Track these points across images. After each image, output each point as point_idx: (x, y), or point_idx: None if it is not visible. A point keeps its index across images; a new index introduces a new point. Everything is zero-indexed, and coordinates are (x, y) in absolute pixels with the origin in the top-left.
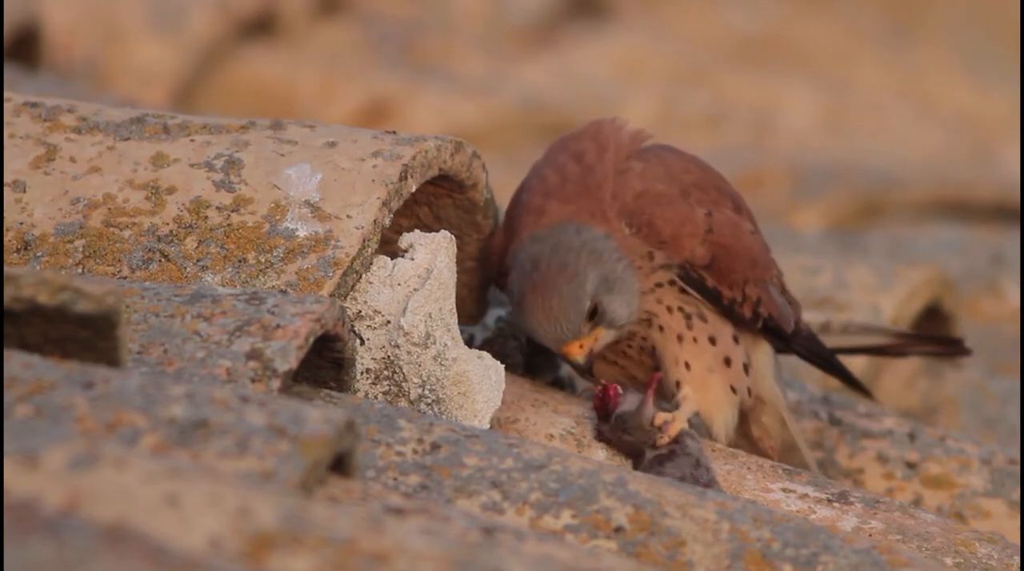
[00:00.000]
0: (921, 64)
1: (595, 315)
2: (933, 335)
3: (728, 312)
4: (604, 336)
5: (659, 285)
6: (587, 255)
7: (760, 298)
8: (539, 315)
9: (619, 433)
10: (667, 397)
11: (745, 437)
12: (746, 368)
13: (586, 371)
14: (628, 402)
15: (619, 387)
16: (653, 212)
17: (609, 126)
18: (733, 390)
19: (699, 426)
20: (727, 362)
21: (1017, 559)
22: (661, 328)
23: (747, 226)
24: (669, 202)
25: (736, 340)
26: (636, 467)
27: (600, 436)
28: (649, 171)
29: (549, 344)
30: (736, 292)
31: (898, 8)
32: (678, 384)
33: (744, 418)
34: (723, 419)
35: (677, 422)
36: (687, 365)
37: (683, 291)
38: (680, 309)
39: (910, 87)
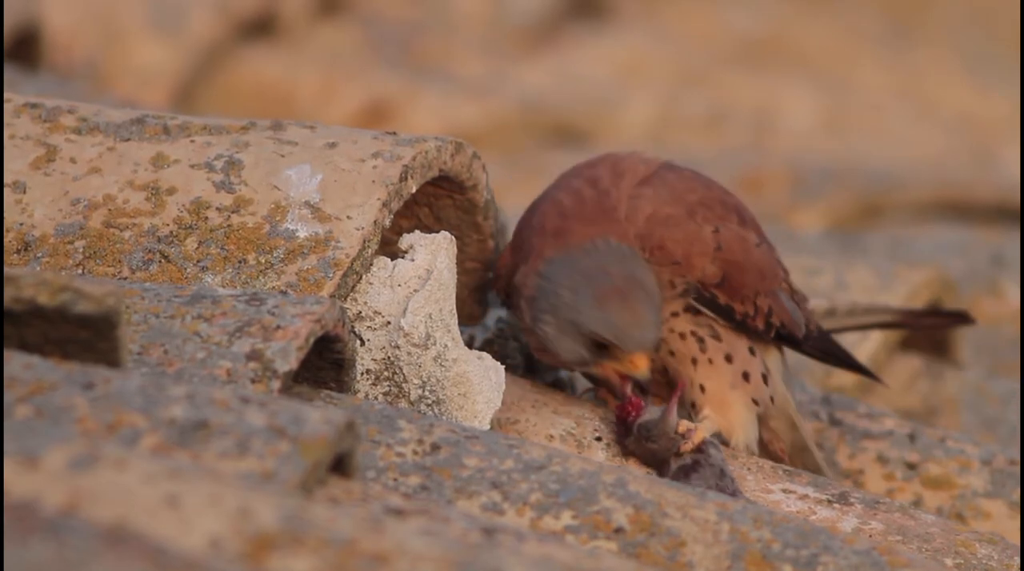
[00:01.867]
0: (921, 65)
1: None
2: (937, 310)
3: (742, 327)
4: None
5: (674, 314)
6: (645, 272)
7: (771, 308)
8: (628, 318)
9: (643, 442)
10: (688, 416)
11: (756, 441)
12: (765, 379)
13: (645, 387)
14: (650, 412)
15: (640, 399)
16: (664, 234)
17: (628, 157)
18: (756, 403)
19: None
20: (746, 377)
21: (1017, 560)
22: (672, 353)
23: (753, 238)
24: (677, 223)
25: (752, 352)
26: (661, 475)
27: (625, 450)
28: (657, 195)
29: (630, 348)
30: (748, 306)
31: (898, 9)
32: (694, 405)
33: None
34: (744, 435)
35: (701, 431)
36: (702, 388)
37: (696, 312)
38: (692, 333)
39: (910, 88)
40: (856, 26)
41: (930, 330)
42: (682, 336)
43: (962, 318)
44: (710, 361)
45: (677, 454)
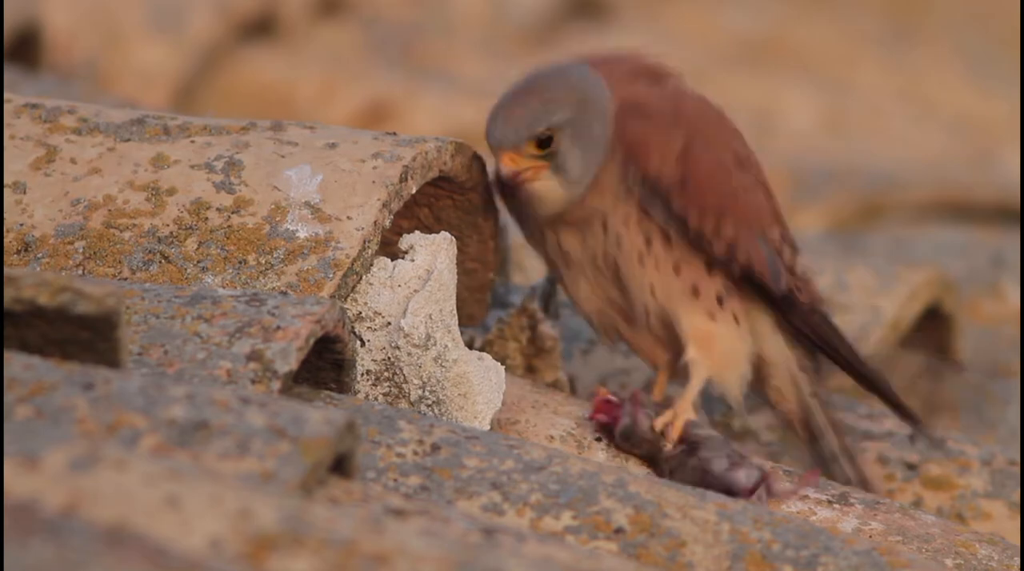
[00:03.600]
0: (921, 66)
1: (546, 145)
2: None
3: (697, 241)
4: (546, 178)
5: (629, 195)
6: (578, 95)
7: (739, 239)
8: (498, 111)
9: (628, 449)
10: (674, 351)
11: (763, 399)
12: (720, 301)
13: (505, 189)
14: (626, 414)
15: (610, 402)
16: (627, 121)
17: (644, 57)
18: (711, 316)
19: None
20: (695, 291)
21: (1017, 560)
22: (619, 243)
23: (746, 177)
24: (649, 117)
25: (710, 273)
26: (660, 474)
27: (621, 449)
28: (652, 91)
29: (490, 143)
30: (707, 224)
31: (898, 10)
32: (648, 312)
33: (759, 379)
34: (734, 374)
35: (679, 420)
36: (652, 290)
37: (649, 204)
38: (638, 225)
39: (910, 89)
40: (856, 27)
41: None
42: (625, 222)
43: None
44: (656, 265)
45: (668, 454)
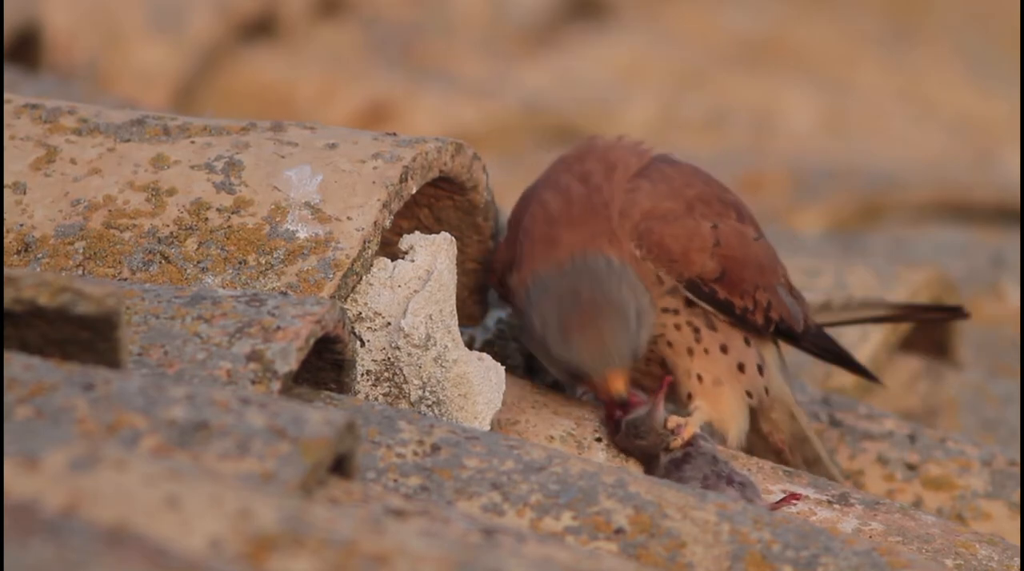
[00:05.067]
0: (921, 66)
1: (634, 350)
2: (932, 305)
3: (741, 321)
4: (690, 423)
5: (665, 310)
6: (626, 289)
7: (771, 302)
8: (589, 349)
9: (631, 439)
10: (680, 405)
11: (755, 432)
12: (760, 369)
13: (624, 404)
14: (648, 402)
15: (636, 396)
16: (663, 231)
17: (617, 146)
18: (749, 395)
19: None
20: (741, 368)
21: (1017, 561)
22: (670, 344)
23: (751, 233)
24: (676, 218)
25: (748, 343)
26: (649, 471)
27: (616, 447)
28: (654, 189)
29: (600, 373)
30: (747, 300)
31: (898, 10)
32: (690, 396)
33: (754, 415)
34: (737, 427)
35: (691, 425)
36: (699, 378)
37: (692, 304)
38: (688, 324)
39: (910, 89)
40: (856, 27)
41: (924, 323)
42: (677, 327)
43: (957, 313)
44: (706, 351)
45: (667, 450)
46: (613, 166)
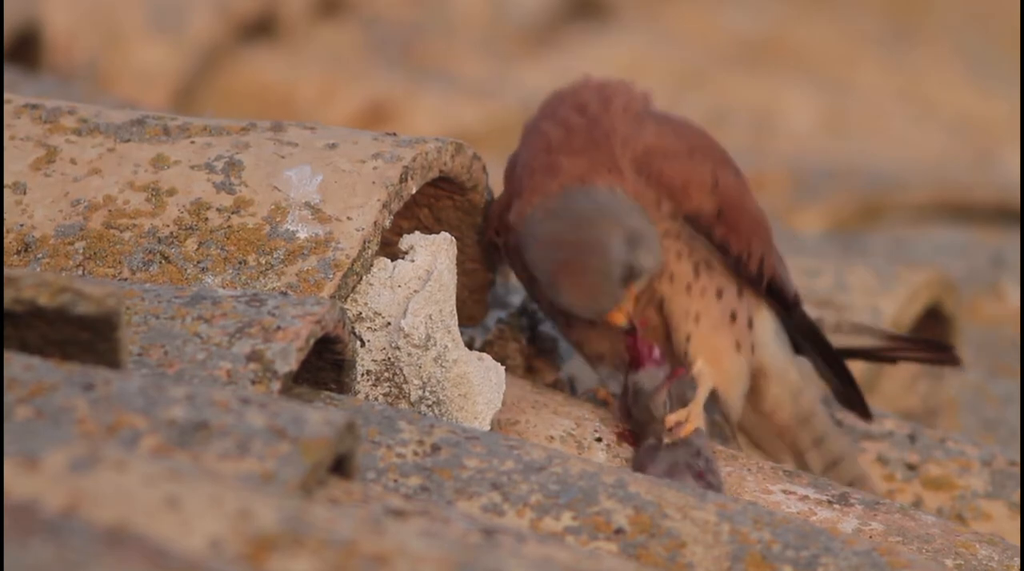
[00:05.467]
0: (921, 66)
1: (628, 277)
2: (924, 339)
3: (736, 265)
4: (637, 287)
5: (666, 234)
6: (605, 221)
7: (765, 257)
8: (577, 295)
9: (627, 406)
10: (677, 351)
11: (756, 412)
12: (750, 323)
13: (631, 330)
14: (649, 374)
15: (654, 346)
16: (663, 164)
17: (613, 82)
18: (738, 346)
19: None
20: (732, 317)
21: (1017, 561)
22: (671, 277)
23: (749, 188)
24: (676, 156)
25: (741, 295)
26: (638, 440)
27: (619, 410)
28: (660, 129)
29: (591, 317)
30: (743, 246)
31: (898, 10)
32: (689, 340)
33: (754, 394)
34: (736, 392)
35: (691, 424)
36: (697, 318)
37: (692, 237)
38: (689, 255)
39: (910, 89)
40: (856, 27)
41: (913, 361)
42: (678, 255)
43: (948, 356)
44: (703, 292)
45: (659, 441)
46: (608, 98)
